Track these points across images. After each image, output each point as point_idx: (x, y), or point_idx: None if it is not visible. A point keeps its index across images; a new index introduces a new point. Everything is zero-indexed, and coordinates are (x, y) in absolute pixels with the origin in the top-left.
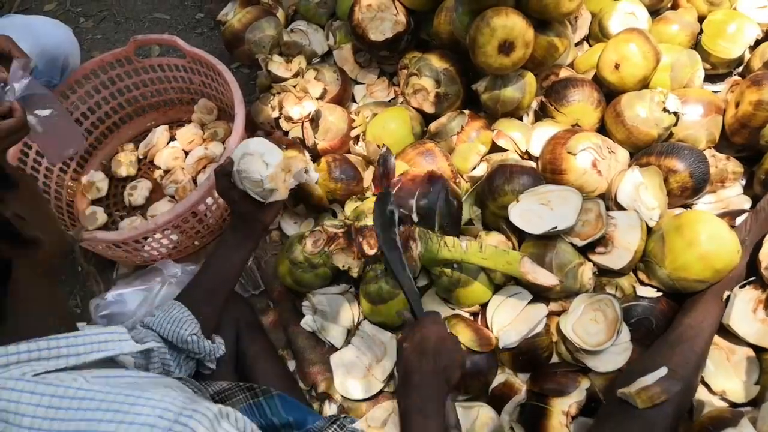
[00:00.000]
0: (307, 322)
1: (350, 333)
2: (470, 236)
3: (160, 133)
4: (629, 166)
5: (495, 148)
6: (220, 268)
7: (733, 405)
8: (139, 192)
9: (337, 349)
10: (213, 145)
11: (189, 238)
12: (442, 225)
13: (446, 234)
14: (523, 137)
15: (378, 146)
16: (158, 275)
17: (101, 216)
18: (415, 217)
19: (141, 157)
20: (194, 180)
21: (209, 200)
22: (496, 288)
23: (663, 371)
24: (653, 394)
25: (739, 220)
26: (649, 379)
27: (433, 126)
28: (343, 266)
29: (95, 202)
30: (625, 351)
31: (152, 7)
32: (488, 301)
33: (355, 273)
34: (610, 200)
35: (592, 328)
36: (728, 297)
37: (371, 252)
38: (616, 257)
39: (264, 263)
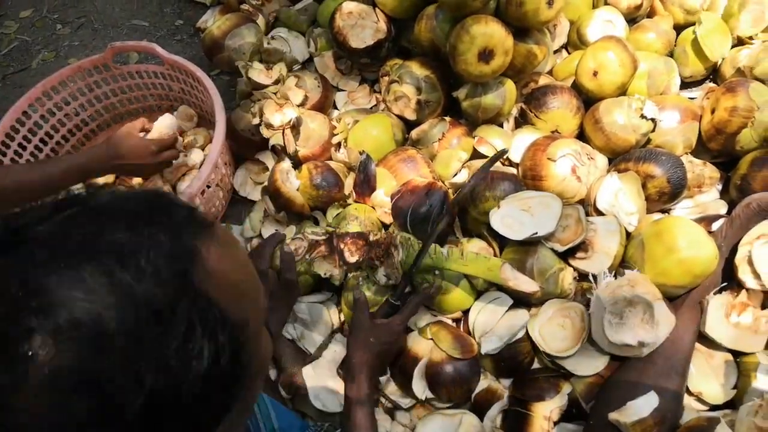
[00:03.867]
0: (288, 330)
1: (330, 341)
2: (451, 243)
3: None
4: (608, 172)
5: (476, 155)
6: None
7: (711, 407)
8: None
9: None
10: (193, 152)
11: None
12: (439, 236)
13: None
14: (503, 144)
15: (360, 153)
16: None
17: None
18: (408, 227)
19: None
20: (174, 188)
21: None
22: (478, 294)
23: (655, 400)
24: (647, 427)
25: (715, 225)
26: (643, 409)
27: (414, 133)
28: (325, 274)
29: None
30: (604, 355)
31: (131, 14)
32: (470, 308)
33: (337, 281)
34: (589, 206)
35: (559, 333)
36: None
37: (353, 259)
38: (596, 262)
39: None
